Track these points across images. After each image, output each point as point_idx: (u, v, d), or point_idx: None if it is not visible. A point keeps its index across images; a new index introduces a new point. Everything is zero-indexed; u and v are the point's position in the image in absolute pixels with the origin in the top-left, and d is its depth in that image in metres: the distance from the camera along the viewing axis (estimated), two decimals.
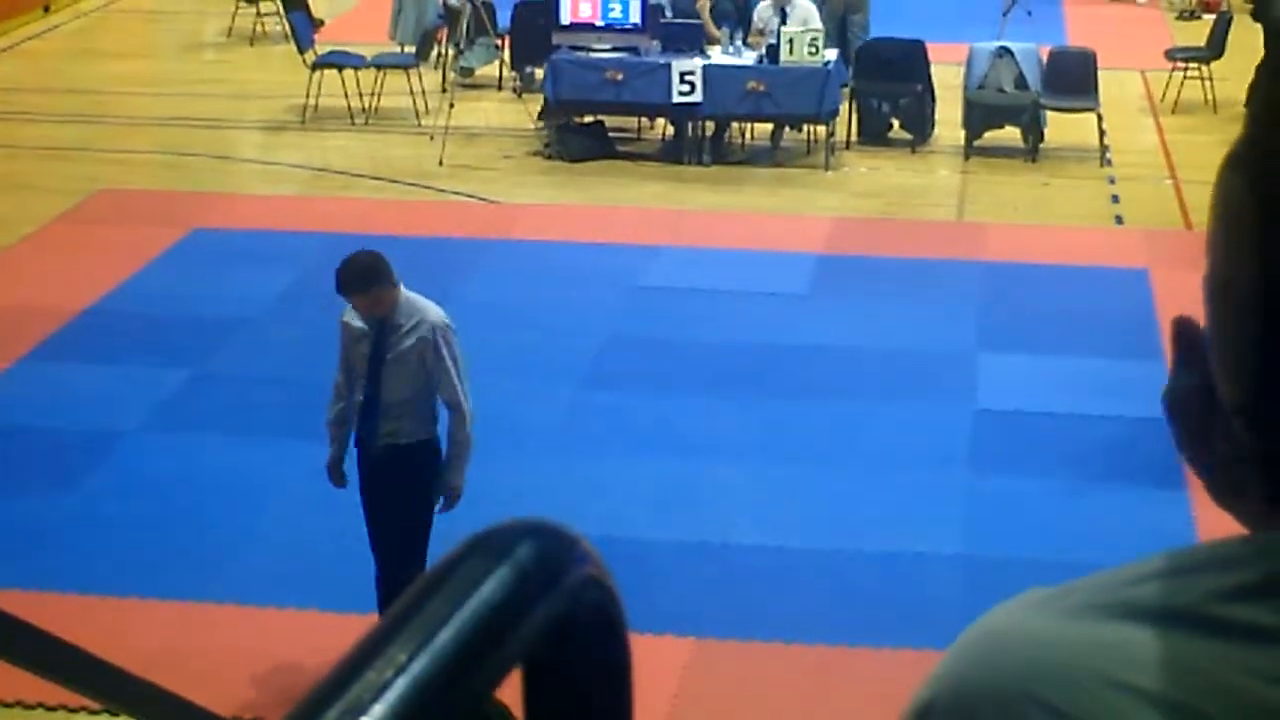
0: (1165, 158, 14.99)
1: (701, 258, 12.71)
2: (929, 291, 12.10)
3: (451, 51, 16.52)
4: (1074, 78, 15.16)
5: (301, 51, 16.33)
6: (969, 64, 15.07)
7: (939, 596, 8.08)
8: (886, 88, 15.35)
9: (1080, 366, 10.53)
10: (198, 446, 9.78)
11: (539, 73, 15.65)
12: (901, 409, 10.29)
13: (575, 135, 15.10)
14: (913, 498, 9.30)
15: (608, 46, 14.87)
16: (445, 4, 16.73)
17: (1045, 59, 15.27)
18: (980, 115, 15.03)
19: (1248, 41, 14.90)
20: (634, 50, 14.85)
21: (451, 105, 15.30)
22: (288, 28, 17.06)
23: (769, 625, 8.15)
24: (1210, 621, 0.84)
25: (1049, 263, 12.59)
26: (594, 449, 9.77)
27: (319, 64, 15.98)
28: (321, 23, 17.55)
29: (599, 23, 14.95)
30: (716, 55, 15.00)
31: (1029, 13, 18.08)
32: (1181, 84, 16.17)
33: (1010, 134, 15.07)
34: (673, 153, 15.09)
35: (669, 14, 15.90)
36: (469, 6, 16.41)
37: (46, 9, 19.84)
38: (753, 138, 15.42)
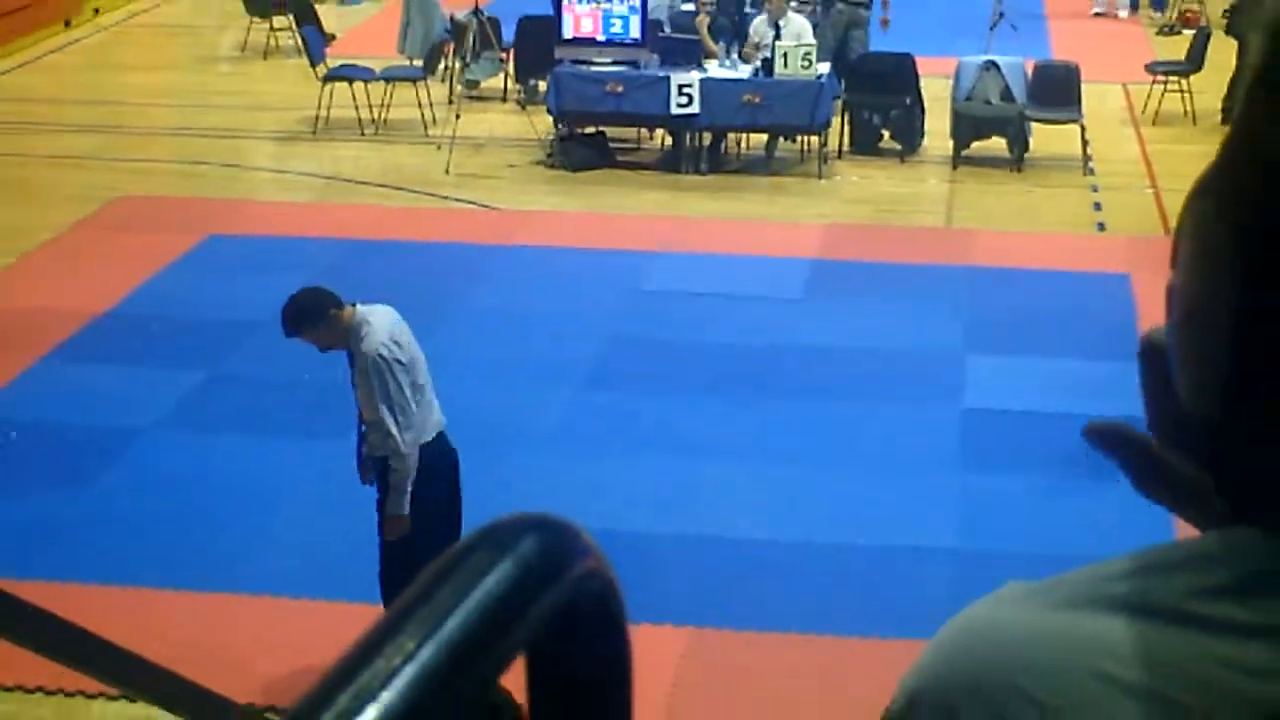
0: (1146, 167, 15.01)
1: (699, 263, 12.72)
2: (918, 295, 12.12)
3: (458, 64, 16.55)
4: (1058, 90, 15.18)
5: (313, 65, 16.37)
6: (957, 77, 15.08)
7: (930, 589, 8.08)
8: (877, 100, 15.38)
9: (1064, 368, 10.55)
10: (212, 445, 9.79)
11: (542, 85, 15.66)
12: (892, 409, 10.30)
13: (577, 145, 15.12)
14: (904, 494, 9.31)
15: (608, 60, 14.89)
16: (452, 18, 16.74)
17: (1030, 72, 15.29)
18: (967, 126, 15.06)
19: (1226, 56, 14.93)
20: (634, 64, 14.87)
21: (458, 116, 15.35)
22: (300, 42, 17.08)
23: (765, 616, 8.15)
24: (1187, 617, 0.84)
25: (1034, 268, 12.61)
26: (596, 447, 9.77)
27: (330, 77, 16.01)
28: (333, 37, 17.57)
29: (600, 37, 14.98)
30: (713, 69, 15.01)
31: (1014, 27, 18.08)
32: (1162, 96, 16.20)
33: (996, 144, 15.08)
34: (671, 162, 15.10)
35: (667, 29, 15.96)
36: (475, 21, 16.44)
37: (67, 23, 19.85)
38: (748, 148, 15.43)
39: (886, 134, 15.46)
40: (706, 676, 7.72)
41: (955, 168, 15.03)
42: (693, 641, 7.90)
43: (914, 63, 15.27)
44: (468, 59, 16.48)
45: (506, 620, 0.81)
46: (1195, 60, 16.16)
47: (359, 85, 15.93)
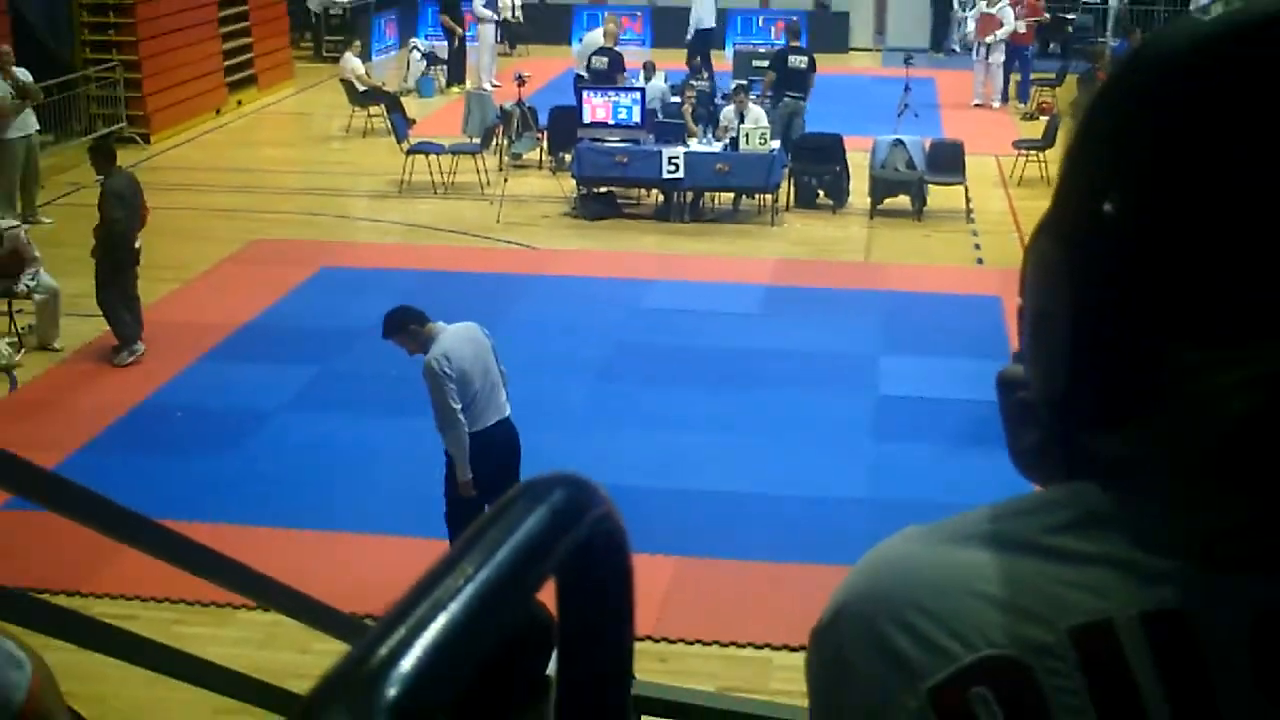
0: (1013, 217, 14.99)
1: (684, 288, 12.72)
2: (845, 312, 12.12)
3: (506, 142, 16.54)
4: (948, 160, 15.18)
5: (399, 142, 16.38)
6: (873, 151, 15.08)
7: (851, 528, 8.08)
8: (815, 168, 15.36)
9: (953, 365, 10.54)
10: (324, 421, 9.80)
11: (568, 157, 15.66)
12: (825, 395, 10.30)
13: (593, 201, 15.12)
14: (834, 458, 9.31)
15: (617, 138, 14.90)
16: (502, 108, 16.74)
17: (927, 147, 15.27)
18: (881, 187, 15.05)
19: None
20: (635, 141, 14.88)
21: (506, 179, 15.36)
22: (390, 125, 17.08)
23: (730, 548, 8.16)
24: (1037, 548, 0.84)
25: (930, 292, 12.61)
26: (607, 424, 9.78)
27: (412, 151, 16.01)
28: (414, 122, 17.55)
29: (611, 121, 15.01)
30: (694, 145, 15.02)
31: (916, 115, 18.15)
32: (1024, 165, 16.19)
33: (903, 201, 15.07)
34: (663, 214, 15.09)
35: (660, 115, 15.97)
36: (518, 110, 16.46)
37: (218, 111, 19.85)
38: (720, 203, 15.41)
39: (822, 193, 15.44)
40: (688, 592, 7.72)
41: (872, 218, 15.01)
42: (678, 567, 7.90)
43: (842, 140, 15.26)
44: (513, 137, 16.49)
45: (541, 551, 0.81)
46: (1049, 138, 16.15)
47: (433, 157, 15.93)
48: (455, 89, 21.08)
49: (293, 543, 8.02)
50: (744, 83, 16.12)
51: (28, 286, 11.11)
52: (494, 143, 16.50)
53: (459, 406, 7.11)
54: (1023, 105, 20.38)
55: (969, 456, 8.60)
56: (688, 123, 15.66)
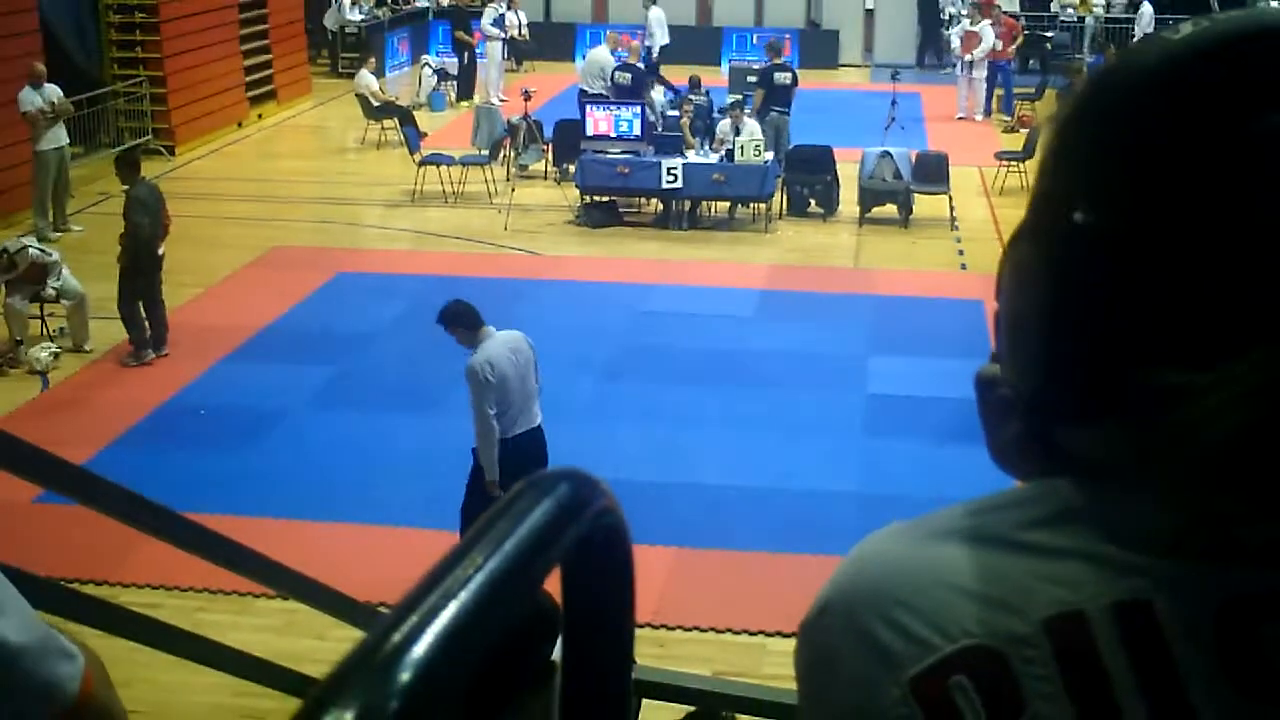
0: (994, 225, 14.99)
1: (682, 292, 12.72)
2: (835, 315, 12.12)
3: (513, 153, 16.54)
4: (933, 171, 15.18)
5: (411, 153, 16.38)
6: (862, 162, 15.08)
7: (841, 520, 8.08)
8: (807, 178, 15.36)
9: (937, 364, 10.54)
10: (341, 419, 9.80)
11: (571, 168, 15.65)
12: (817, 394, 10.30)
13: (596, 210, 15.11)
14: (824, 453, 9.31)
15: (618, 150, 14.90)
16: (509, 121, 16.74)
17: (913, 159, 15.28)
18: (870, 197, 15.05)
19: None
20: (636, 153, 14.88)
21: (513, 189, 15.35)
22: (403, 138, 17.08)
23: (727, 539, 8.16)
24: (1014, 543, 0.84)
25: (916, 296, 12.60)
26: (609, 421, 9.77)
27: (423, 162, 16.01)
28: (425, 134, 17.55)
29: (613, 134, 15.00)
30: (692, 156, 15.03)
31: (903, 128, 18.16)
32: (1005, 175, 16.19)
33: (890, 210, 15.07)
34: (662, 221, 15.09)
35: (660, 128, 15.97)
36: (525, 123, 16.47)
37: (240, 124, 19.86)
38: (716, 212, 15.41)
39: (813, 202, 15.44)
40: (686, 581, 7.72)
41: (861, 225, 15.01)
42: (677, 557, 7.90)
43: (832, 152, 15.26)
44: (520, 149, 16.49)
45: (546, 543, 0.81)
46: (1029, 150, 16.15)
47: (444, 168, 15.93)
48: (465, 104, 21.09)
49: (310, 534, 8.02)
50: (739, 97, 16.13)
51: (55, 290, 11.13)
52: (501, 154, 16.49)
53: (494, 412, 7.13)
54: (1007, 118, 20.38)
55: (953, 452, 8.59)
56: (685, 135, 15.66)
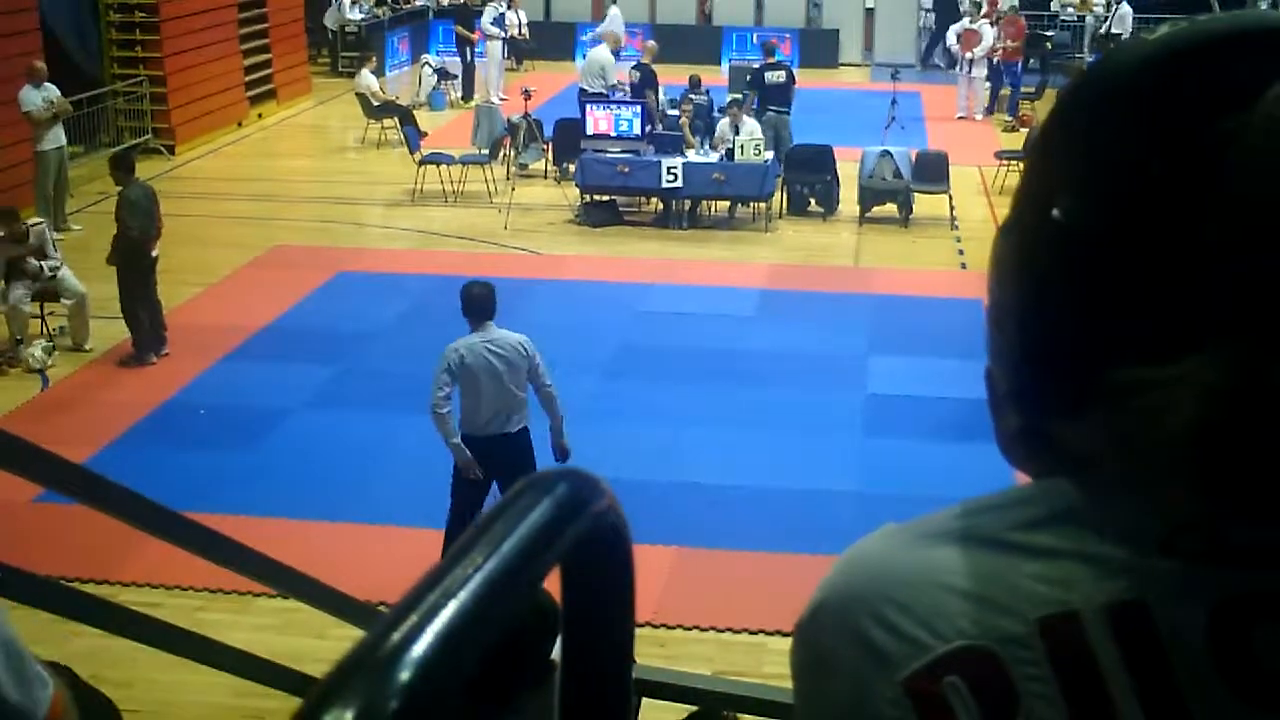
0: (994, 224, 14.87)
1: (682, 292, 12.72)
2: (835, 314, 12.12)
3: (513, 153, 16.54)
4: (933, 170, 15.18)
5: (412, 153, 16.38)
6: (862, 161, 15.08)
7: (840, 519, 8.08)
8: (806, 177, 15.36)
9: (937, 364, 10.54)
10: (341, 419, 9.80)
11: (571, 167, 15.66)
12: (817, 393, 10.30)
13: (596, 209, 15.12)
14: (824, 453, 9.31)
15: (619, 149, 14.89)
16: (509, 120, 16.74)
17: (913, 158, 15.28)
18: (870, 196, 15.05)
19: None
20: (636, 152, 14.87)
21: (513, 188, 15.35)
22: (403, 137, 17.07)
23: (727, 538, 8.16)
24: (1008, 543, 0.84)
25: (916, 295, 12.60)
26: (610, 420, 9.77)
27: (424, 161, 16.01)
28: (425, 134, 17.55)
29: (613, 133, 15.00)
30: (692, 155, 15.03)
31: (903, 127, 18.18)
32: (1006, 175, 16.18)
33: (890, 209, 15.07)
34: (662, 221, 15.09)
35: (660, 127, 15.96)
36: (525, 122, 16.47)
37: (239, 124, 19.86)
38: (716, 211, 15.41)
39: (813, 201, 15.44)
40: (686, 580, 7.72)
41: (861, 225, 15.01)
42: (677, 556, 7.90)
43: (832, 151, 15.26)
44: (520, 149, 16.49)
45: (547, 542, 0.81)
46: (1028, 150, 16.13)
47: (444, 167, 15.93)
48: (468, 104, 21.09)
49: (310, 534, 8.02)
50: (739, 97, 16.14)
51: (51, 271, 11.12)
52: (502, 154, 16.49)
53: (444, 394, 7.15)
54: (1010, 118, 20.39)
55: (953, 451, 8.60)
56: (686, 134, 15.66)
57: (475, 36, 22.03)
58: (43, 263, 11.13)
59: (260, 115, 20.41)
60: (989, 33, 20.63)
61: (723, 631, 7.28)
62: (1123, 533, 0.81)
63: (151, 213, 10.95)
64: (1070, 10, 25.00)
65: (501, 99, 20.46)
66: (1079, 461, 0.83)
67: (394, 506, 8.35)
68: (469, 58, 21.91)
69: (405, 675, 0.67)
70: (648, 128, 15.26)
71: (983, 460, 0.93)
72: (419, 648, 0.68)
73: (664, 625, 7.19)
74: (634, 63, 17.92)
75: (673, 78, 20.14)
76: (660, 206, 15.26)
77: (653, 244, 14.42)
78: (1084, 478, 0.83)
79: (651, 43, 18.44)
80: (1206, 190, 0.77)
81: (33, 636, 1.62)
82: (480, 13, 22.50)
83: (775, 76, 16.72)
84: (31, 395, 10.38)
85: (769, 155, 14.84)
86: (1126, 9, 22.60)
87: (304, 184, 16.81)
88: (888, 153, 15.07)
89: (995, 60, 20.77)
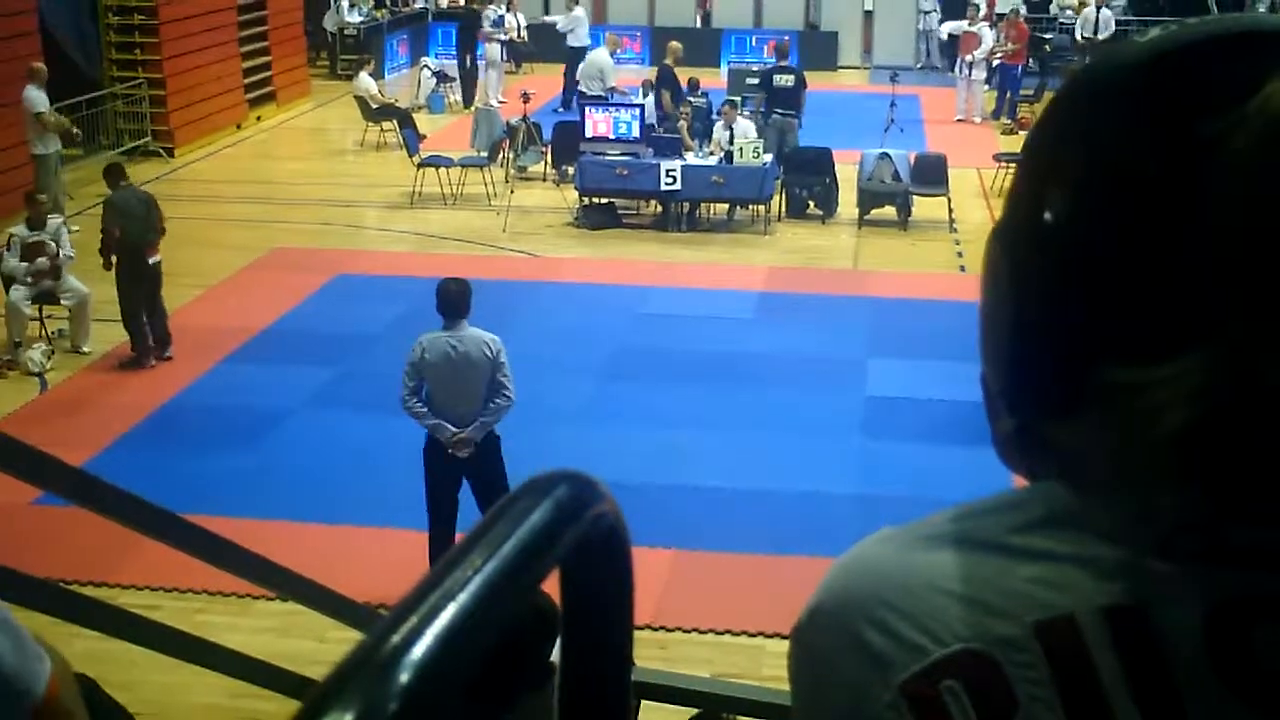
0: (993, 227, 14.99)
1: (681, 294, 12.73)
2: (834, 316, 12.12)
3: (512, 155, 16.54)
4: (932, 173, 15.18)
5: (411, 155, 16.36)
6: (861, 164, 15.09)
7: (839, 521, 8.08)
8: (805, 180, 15.36)
9: (937, 367, 10.53)
10: (340, 420, 9.80)
11: (570, 169, 15.66)
12: (816, 395, 10.30)
13: (595, 211, 15.12)
14: (823, 455, 9.31)
15: (617, 152, 14.90)
16: (508, 123, 16.75)
17: (912, 160, 15.28)
18: (868, 198, 15.05)
19: None
20: (635, 154, 14.87)
21: (512, 191, 15.34)
22: (402, 139, 17.07)
23: (726, 540, 8.16)
24: (1004, 546, 0.84)
25: (915, 297, 12.60)
26: (608, 423, 9.77)
27: (423, 164, 16.01)
28: (424, 136, 17.55)
29: (611, 136, 15.00)
30: (690, 158, 15.03)
31: (901, 130, 18.19)
32: (1005, 177, 16.17)
33: (889, 211, 15.07)
34: (661, 223, 15.09)
35: (659, 130, 15.98)
36: (524, 125, 16.47)
37: (239, 127, 19.87)
38: (714, 213, 15.42)
39: (812, 204, 15.45)
40: (685, 583, 7.72)
41: (860, 227, 15.01)
42: (676, 559, 7.90)
43: (831, 154, 15.27)
44: (519, 151, 16.49)
45: (545, 544, 0.82)
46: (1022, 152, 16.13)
47: (443, 170, 15.93)
48: (468, 110, 21.10)
49: (310, 536, 8.02)
50: (733, 99, 16.15)
51: (67, 258, 11.13)
52: (500, 156, 16.50)
53: (408, 389, 7.32)
54: (1010, 121, 20.40)
55: (952, 453, 8.60)
56: (684, 137, 15.67)
57: (476, 38, 21.98)
58: (60, 249, 11.17)
59: (259, 118, 20.42)
60: (988, 35, 20.64)
61: (722, 634, 7.28)
62: (1119, 535, 0.81)
63: (143, 218, 10.88)
64: (1069, 13, 24.99)
65: (500, 102, 20.46)
66: (1074, 463, 0.84)
67: (393, 509, 8.34)
68: (469, 63, 21.89)
69: (405, 677, 0.67)
70: (662, 125, 15.28)
71: (981, 463, 0.93)
72: (419, 650, 0.68)
73: (663, 627, 7.19)
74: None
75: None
76: (659, 209, 15.26)
77: (651, 246, 14.43)
78: (1079, 479, 0.83)
79: (675, 43, 18.47)
80: (1198, 191, 0.77)
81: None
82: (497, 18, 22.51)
83: (783, 80, 16.72)
84: (30, 398, 10.38)
85: (768, 158, 14.84)
86: (1107, 13, 22.57)
87: (303, 186, 16.81)
88: (887, 155, 15.07)
89: (995, 63, 20.77)
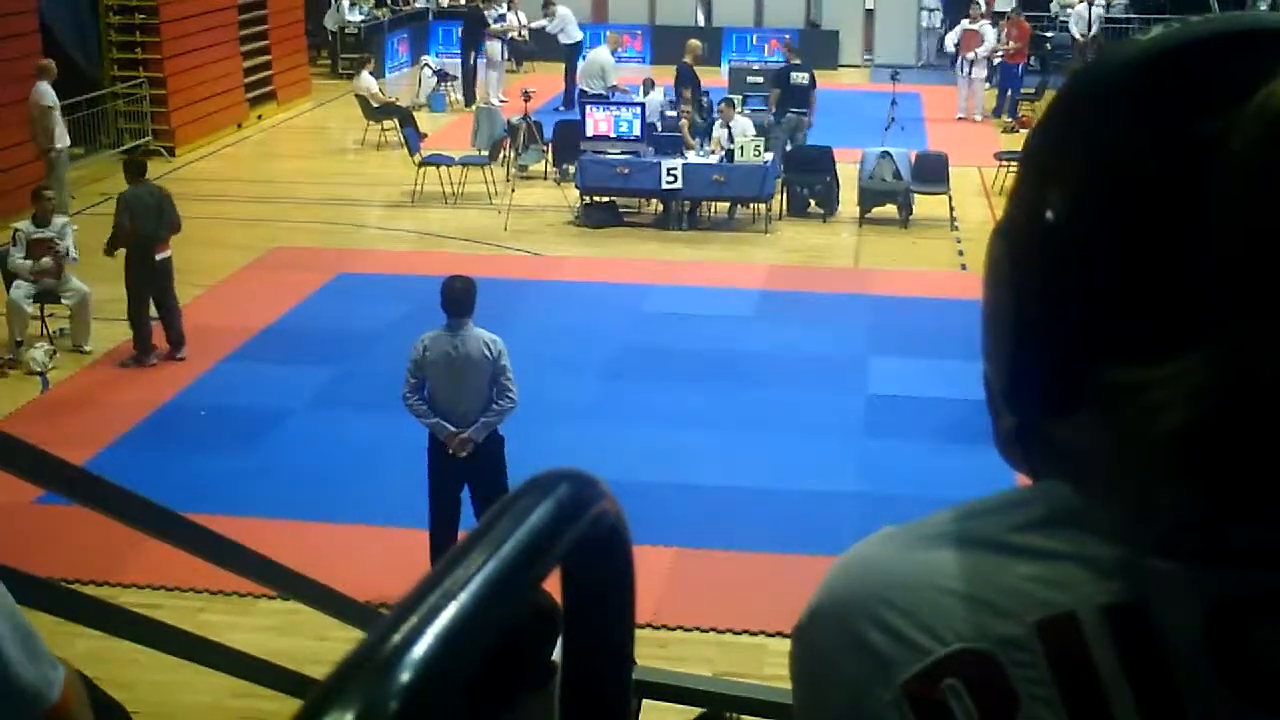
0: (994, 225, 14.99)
1: (682, 293, 12.72)
2: (835, 315, 12.12)
3: (513, 154, 16.54)
4: (933, 171, 15.18)
5: (412, 154, 16.37)
6: (862, 162, 15.09)
7: (840, 520, 8.08)
8: (806, 178, 15.36)
9: (938, 365, 10.54)
10: (341, 419, 9.80)
11: (571, 168, 15.66)
12: (817, 394, 10.30)
13: (596, 210, 15.12)
14: (824, 453, 9.31)
15: (618, 150, 14.90)
16: (509, 122, 16.74)
17: (913, 159, 15.28)
18: (869, 197, 15.05)
19: None
20: (636, 153, 14.87)
21: (513, 190, 15.34)
22: (403, 138, 17.07)
23: (726, 539, 8.16)
24: (1005, 545, 0.84)
25: (916, 296, 12.60)
26: (609, 422, 9.77)
27: (424, 163, 16.01)
28: (425, 135, 17.55)
29: (612, 134, 15.00)
30: (691, 156, 15.04)
31: (902, 128, 18.18)
32: (1006, 175, 16.16)
33: (890, 210, 15.07)
34: (662, 222, 15.09)
35: (659, 128, 15.98)
36: (525, 124, 16.48)
37: (239, 126, 19.86)
38: (715, 212, 15.42)
39: (813, 202, 15.45)
40: (686, 581, 7.72)
41: (861, 226, 15.01)
42: (677, 557, 7.90)
43: (832, 152, 15.27)
44: (520, 150, 16.49)
45: (547, 543, 0.81)
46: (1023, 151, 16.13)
47: (444, 169, 15.94)
48: (469, 108, 21.09)
49: (311, 535, 8.02)
50: (731, 97, 16.16)
51: (73, 259, 11.15)
52: (501, 155, 16.50)
53: (409, 387, 7.35)
54: (1011, 119, 20.39)
55: (953, 452, 8.60)
56: (685, 135, 15.68)
57: (490, 29, 21.96)
58: (66, 248, 11.17)
59: (260, 117, 20.42)
60: (990, 34, 20.63)
61: (723, 633, 7.28)
62: (1120, 534, 0.81)
63: (156, 214, 10.88)
64: (1070, 11, 25.00)
65: (501, 100, 20.46)
66: (1074, 461, 0.84)
67: (394, 508, 8.34)
68: (472, 61, 21.87)
69: (406, 677, 0.67)
70: (683, 123, 15.28)
71: (983, 461, 0.93)
72: (419, 649, 0.68)
73: (664, 626, 7.19)
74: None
75: (672, 79, 20.17)
76: (660, 208, 15.26)
77: (652, 245, 14.43)
78: (1080, 478, 0.83)
79: (694, 41, 18.49)
80: (1198, 191, 0.77)
81: None
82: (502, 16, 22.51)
83: (799, 78, 16.77)
84: (32, 397, 10.39)
85: (769, 156, 14.84)
86: (1098, 10, 22.56)
87: (304, 186, 16.80)
88: (887, 154, 15.07)
89: (996, 61, 20.75)
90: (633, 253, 14.13)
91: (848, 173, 15.17)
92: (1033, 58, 22.84)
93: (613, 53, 19.04)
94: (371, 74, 19.39)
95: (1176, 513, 0.78)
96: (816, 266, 13.79)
